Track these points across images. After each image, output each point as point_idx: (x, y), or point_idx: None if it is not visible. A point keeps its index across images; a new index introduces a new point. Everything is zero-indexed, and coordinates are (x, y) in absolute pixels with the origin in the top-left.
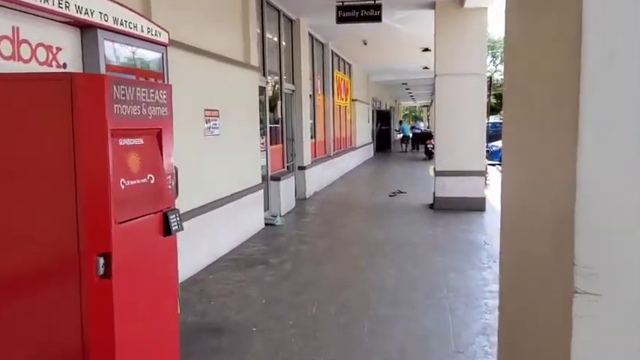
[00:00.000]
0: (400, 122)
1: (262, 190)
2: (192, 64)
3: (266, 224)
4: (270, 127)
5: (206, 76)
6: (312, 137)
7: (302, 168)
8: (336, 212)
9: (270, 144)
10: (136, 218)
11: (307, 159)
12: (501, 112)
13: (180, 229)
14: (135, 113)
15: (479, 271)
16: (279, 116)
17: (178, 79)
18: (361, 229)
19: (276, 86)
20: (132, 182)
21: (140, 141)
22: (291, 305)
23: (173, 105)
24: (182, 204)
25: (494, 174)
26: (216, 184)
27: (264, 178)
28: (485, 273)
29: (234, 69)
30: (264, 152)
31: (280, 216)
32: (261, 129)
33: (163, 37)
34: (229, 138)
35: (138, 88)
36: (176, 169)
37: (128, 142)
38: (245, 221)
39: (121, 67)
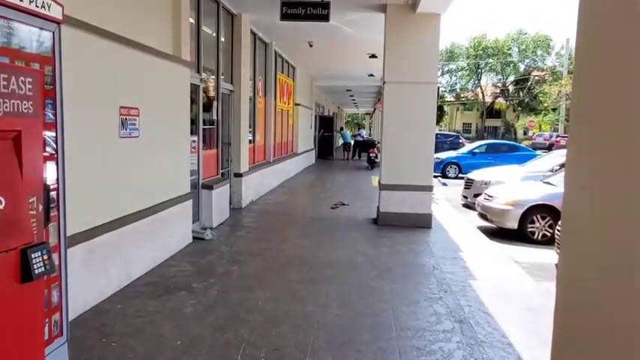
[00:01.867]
0: (341, 129)
1: (191, 200)
2: (103, 52)
3: (194, 238)
4: (205, 130)
5: (123, 67)
6: (250, 142)
7: (238, 175)
8: (273, 225)
9: (204, 148)
10: None
11: (245, 165)
12: (441, 124)
13: (50, 270)
14: None
15: (430, 304)
16: (215, 118)
17: (83, 68)
18: (300, 247)
19: (212, 85)
20: None
21: None
22: (211, 348)
23: (74, 100)
24: (86, 218)
25: (437, 187)
26: (133, 194)
27: (194, 186)
28: (437, 306)
29: (161, 62)
30: (196, 157)
31: (211, 229)
32: (193, 131)
33: (54, 12)
34: (152, 141)
35: None
36: (47, 187)
37: None
38: (169, 236)
39: None
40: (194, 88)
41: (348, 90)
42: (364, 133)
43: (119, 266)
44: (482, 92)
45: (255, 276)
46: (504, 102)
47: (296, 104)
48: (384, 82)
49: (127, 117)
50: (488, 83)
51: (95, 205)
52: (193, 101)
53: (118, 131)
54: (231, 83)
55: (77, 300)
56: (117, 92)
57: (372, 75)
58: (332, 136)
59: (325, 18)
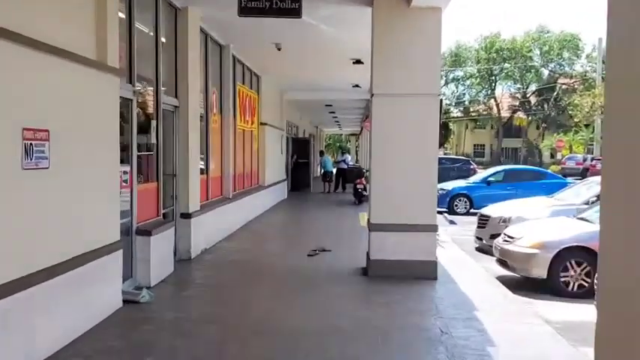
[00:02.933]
0: (321, 153)
1: (121, 251)
2: None
3: (125, 301)
4: (140, 157)
5: (25, 77)
6: (203, 172)
7: (186, 215)
8: (233, 281)
9: (139, 181)
10: None
11: (195, 203)
12: (445, 146)
13: None
14: None
15: None
16: (154, 141)
17: None
18: (268, 311)
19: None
20: None
21: None
22: None
23: None
24: None
25: (443, 226)
26: (40, 245)
27: (126, 231)
28: None
29: (79, 69)
30: (128, 193)
31: (148, 288)
32: (124, 159)
33: None
34: (67, 172)
35: None
36: None
37: None
38: (90, 299)
39: None
40: (125, 103)
41: (327, 105)
42: (349, 159)
43: (17, 344)
44: (498, 105)
45: (208, 353)
46: (525, 117)
47: (262, 124)
48: (372, 95)
49: (33, 142)
50: (505, 94)
51: None
52: (125, 120)
53: (20, 161)
54: (176, 97)
55: None
56: (19, 110)
57: (357, 86)
58: (308, 162)
59: (296, 13)
